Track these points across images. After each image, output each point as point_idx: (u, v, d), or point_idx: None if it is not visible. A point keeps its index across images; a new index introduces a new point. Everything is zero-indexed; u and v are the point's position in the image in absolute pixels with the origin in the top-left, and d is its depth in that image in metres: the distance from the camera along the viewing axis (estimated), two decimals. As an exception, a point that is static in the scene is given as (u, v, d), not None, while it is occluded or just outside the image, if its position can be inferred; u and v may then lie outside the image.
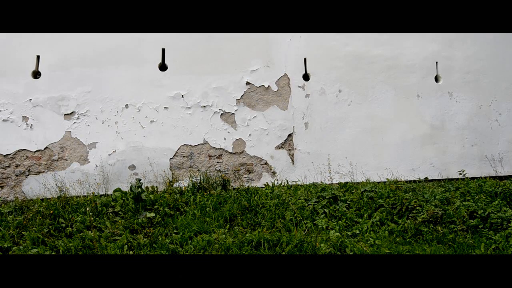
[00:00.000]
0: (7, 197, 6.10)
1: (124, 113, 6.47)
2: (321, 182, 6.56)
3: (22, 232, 4.59)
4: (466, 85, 7.31)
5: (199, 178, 6.25)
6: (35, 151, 6.25)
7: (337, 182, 6.56)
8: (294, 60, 6.93)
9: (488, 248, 4.32)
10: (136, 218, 4.99)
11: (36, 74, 6.41)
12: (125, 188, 6.08)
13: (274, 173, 6.71)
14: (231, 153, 6.68)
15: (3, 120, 6.22)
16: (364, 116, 6.99)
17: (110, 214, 5.19)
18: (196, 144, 6.60)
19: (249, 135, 6.71)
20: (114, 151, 6.40)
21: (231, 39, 6.73)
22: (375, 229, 4.88)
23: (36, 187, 6.13)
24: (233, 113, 6.70)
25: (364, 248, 4.28)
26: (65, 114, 6.35)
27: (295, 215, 5.12)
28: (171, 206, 5.37)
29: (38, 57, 6.38)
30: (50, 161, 6.26)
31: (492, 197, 5.69)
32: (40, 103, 6.30)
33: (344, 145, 6.90)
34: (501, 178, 7.02)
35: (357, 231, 4.82)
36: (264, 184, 6.49)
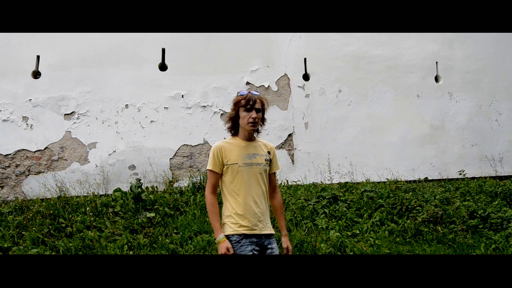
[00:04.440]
0: (7, 197, 6.10)
1: (124, 113, 6.47)
2: (321, 182, 6.55)
3: (22, 232, 4.59)
4: (466, 85, 7.31)
5: (199, 178, 6.25)
6: (35, 151, 6.25)
7: (337, 182, 6.56)
8: (294, 60, 6.92)
9: (488, 248, 4.32)
10: (136, 218, 4.99)
11: (36, 74, 6.41)
12: (125, 188, 6.08)
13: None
14: (231, 153, 6.67)
15: (3, 120, 6.22)
16: (364, 116, 6.98)
17: (110, 214, 5.18)
18: (196, 144, 6.59)
19: (249, 135, 6.69)
20: (114, 151, 6.40)
21: (231, 39, 6.72)
22: (375, 229, 4.88)
23: (36, 187, 6.13)
24: (233, 113, 6.68)
25: (364, 248, 4.28)
26: (65, 114, 6.35)
27: (295, 215, 5.12)
28: (171, 206, 5.37)
29: (38, 57, 6.38)
30: (50, 161, 6.26)
31: (492, 197, 5.69)
32: (40, 103, 6.30)
33: (344, 145, 6.89)
34: (501, 178, 7.01)
35: (357, 231, 4.82)
36: (264, 184, 6.47)
